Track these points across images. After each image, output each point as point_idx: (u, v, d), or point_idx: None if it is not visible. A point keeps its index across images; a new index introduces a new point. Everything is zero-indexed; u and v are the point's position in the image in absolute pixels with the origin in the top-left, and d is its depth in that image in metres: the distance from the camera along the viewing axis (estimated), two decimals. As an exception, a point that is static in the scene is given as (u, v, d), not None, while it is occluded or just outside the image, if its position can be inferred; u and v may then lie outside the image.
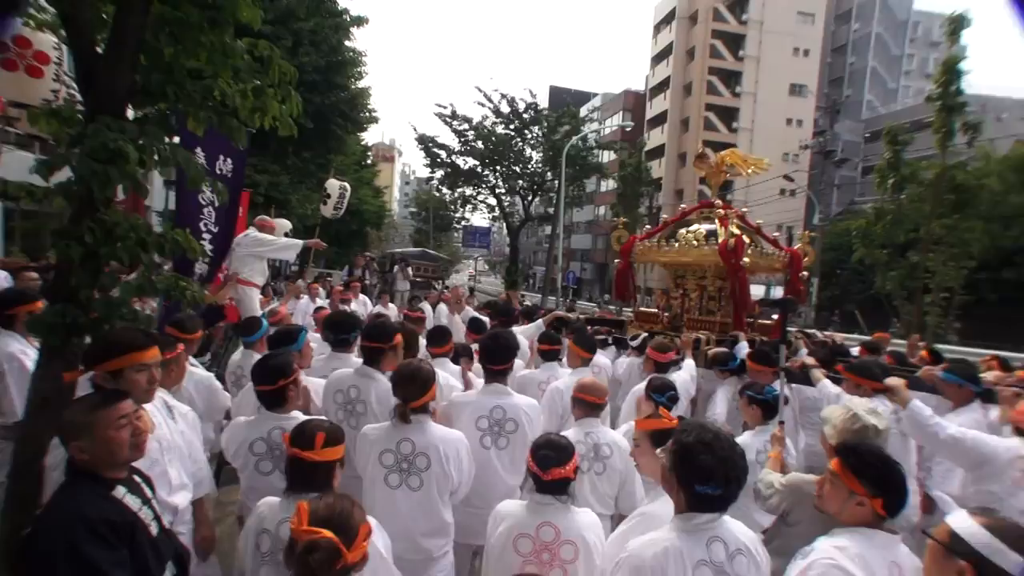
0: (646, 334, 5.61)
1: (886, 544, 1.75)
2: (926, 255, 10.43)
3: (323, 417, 2.59)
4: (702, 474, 1.67)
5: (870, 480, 1.80)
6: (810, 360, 4.45)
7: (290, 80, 2.95)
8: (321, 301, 8.36)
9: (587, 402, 2.96)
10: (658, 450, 1.93)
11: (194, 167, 2.56)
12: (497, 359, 3.14)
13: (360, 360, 3.73)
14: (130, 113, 2.67)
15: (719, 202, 6.47)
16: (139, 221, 2.34)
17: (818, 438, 2.77)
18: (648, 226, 8.35)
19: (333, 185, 8.16)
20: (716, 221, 6.11)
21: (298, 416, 2.61)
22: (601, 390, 3.03)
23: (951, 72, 10.75)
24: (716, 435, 1.74)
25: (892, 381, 3.39)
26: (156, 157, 2.40)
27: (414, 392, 2.48)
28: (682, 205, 8.11)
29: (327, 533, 1.40)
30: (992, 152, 16.27)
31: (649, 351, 4.51)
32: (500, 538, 2.13)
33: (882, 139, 11.91)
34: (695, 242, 6.09)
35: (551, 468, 2.09)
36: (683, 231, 6.40)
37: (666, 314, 6.54)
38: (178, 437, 2.31)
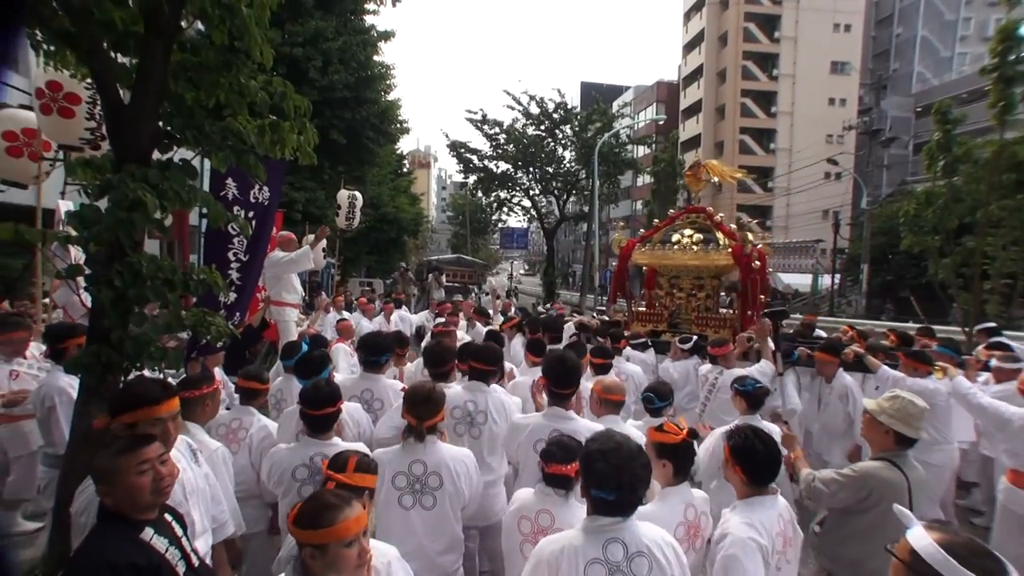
0: (696, 336, 6.14)
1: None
2: (984, 239, 9.76)
3: (359, 446, 2.69)
4: (597, 480, 1.84)
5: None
6: (861, 349, 5.13)
7: (304, 113, 3.05)
8: (345, 313, 8.55)
9: (610, 400, 3.25)
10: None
11: (214, 207, 2.67)
12: (560, 383, 3.06)
13: (384, 378, 3.84)
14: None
15: (710, 209, 7.25)
16: (165, 262, 2.45)
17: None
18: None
19: (342, 196, 7.86)
20: (712, 225, 6.91)
21: (338, 443, 2.68)
22: (620, 388, 3.35)
23: (1010, 39, 9.87)
24: (617, 445, 1.88)
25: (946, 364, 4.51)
26: (179, 200, 2.52)
27: (429, 412, 2.57)
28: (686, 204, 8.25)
29: None
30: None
31: (709, 348, 5.22)
32: (509, 516, 2.41)
33: (931, 116, 11.03)
34: (695, 247, 6.87)
35: (552, 463, 2.30)
36: (676, 235, 7.13)
37: (666, 312, 7.26)
38: (202, 480, 2.31)
